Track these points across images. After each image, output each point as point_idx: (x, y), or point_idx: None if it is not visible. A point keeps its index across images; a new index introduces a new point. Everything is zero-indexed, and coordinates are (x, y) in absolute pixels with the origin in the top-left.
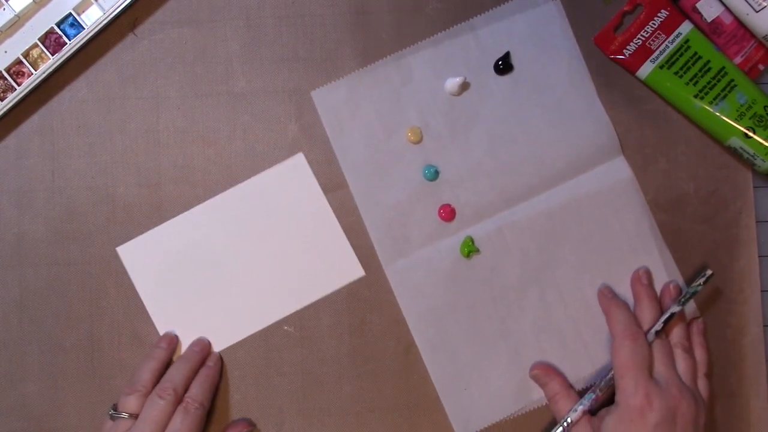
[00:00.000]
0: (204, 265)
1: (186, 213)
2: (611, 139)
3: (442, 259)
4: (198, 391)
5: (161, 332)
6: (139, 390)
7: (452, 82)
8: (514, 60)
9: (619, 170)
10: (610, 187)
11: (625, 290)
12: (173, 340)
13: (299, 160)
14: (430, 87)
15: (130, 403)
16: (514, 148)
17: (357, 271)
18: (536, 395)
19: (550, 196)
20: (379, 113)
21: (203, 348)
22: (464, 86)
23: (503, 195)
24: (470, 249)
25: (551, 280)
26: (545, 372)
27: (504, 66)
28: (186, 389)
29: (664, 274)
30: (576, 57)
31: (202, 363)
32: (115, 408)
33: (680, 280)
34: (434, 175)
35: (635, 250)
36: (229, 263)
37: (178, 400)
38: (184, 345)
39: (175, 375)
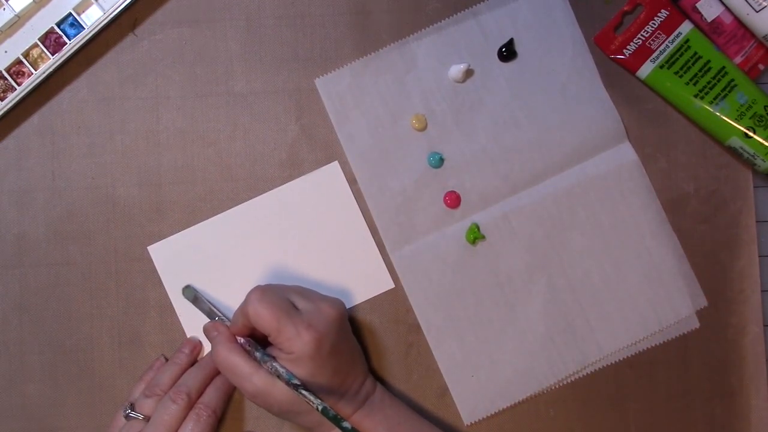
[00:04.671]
0: (233, 269)
1: (218, 216)
2: (616, 124)
3: (448, 245)
4: (213, 397)
5: (188, 334)
6: (158, 394)
7: (456, 69)
8: (518, 46)
9: (624, 155)
10: (616, 172)
11: (632, 275)
12: (197, 346)
13: (334, 168)
14: (434, 74)
15: (148, 406)
16: (518, 134)
17: (386, 283)
18: (544, 381)
19: (556, 181)
20: (383, 100)
21: None
22: (468, 73)
23: (508, 181)
24: (476, 236)
25: (558, 266)
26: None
27: (507, 53)
28: (200, 395)
29: (672, 257)
30: (579, 42)
31: (218, 371)
32: (132, 407)
33: (687, 265)
34: (439, 162)
35: (643, 235)
36: (257, 269)
37: (191, 406)
38: (207, 349)
39: (191, 380)
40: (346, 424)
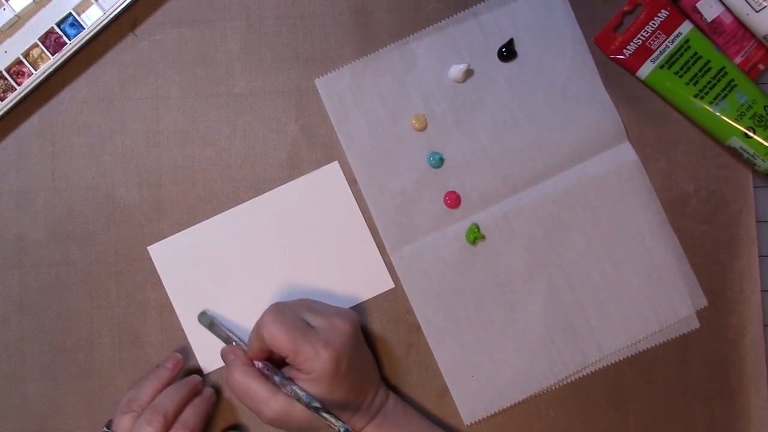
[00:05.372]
0: (233, 270)
1: (218, 216)
2: (616, 124)
3: (448, 245)
4: (191, 416)
5: (188, 334)
6: (136, 411)
7: (456, 69)
8: (518, 46)
9: (624, 155)
10: (616, 172)
11: (632, 275)
12: (179, 362)
13: (334, 168)
14: (434, 74)
15: (125, 423)
16: (518, 135)
17: (386, 283)
18: (544, 381)
19: (556, 181)
20: (383, 100)
21: (199, 382)
22: (468, 73)
23: (508, 181)
24: (476, 236)
25: (558, 266)
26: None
27: (507, 53)
28: (177, 416)
29: (672, 257)
30: (579, 43)
31: (196, 394)
32: (109, 425)
33: (687, 265)
34: (439, 162)
35: (642, 235)
36: (257, 269)
37: (168, 427)
38: (207, 350)
39: (167, 401)
40: None
